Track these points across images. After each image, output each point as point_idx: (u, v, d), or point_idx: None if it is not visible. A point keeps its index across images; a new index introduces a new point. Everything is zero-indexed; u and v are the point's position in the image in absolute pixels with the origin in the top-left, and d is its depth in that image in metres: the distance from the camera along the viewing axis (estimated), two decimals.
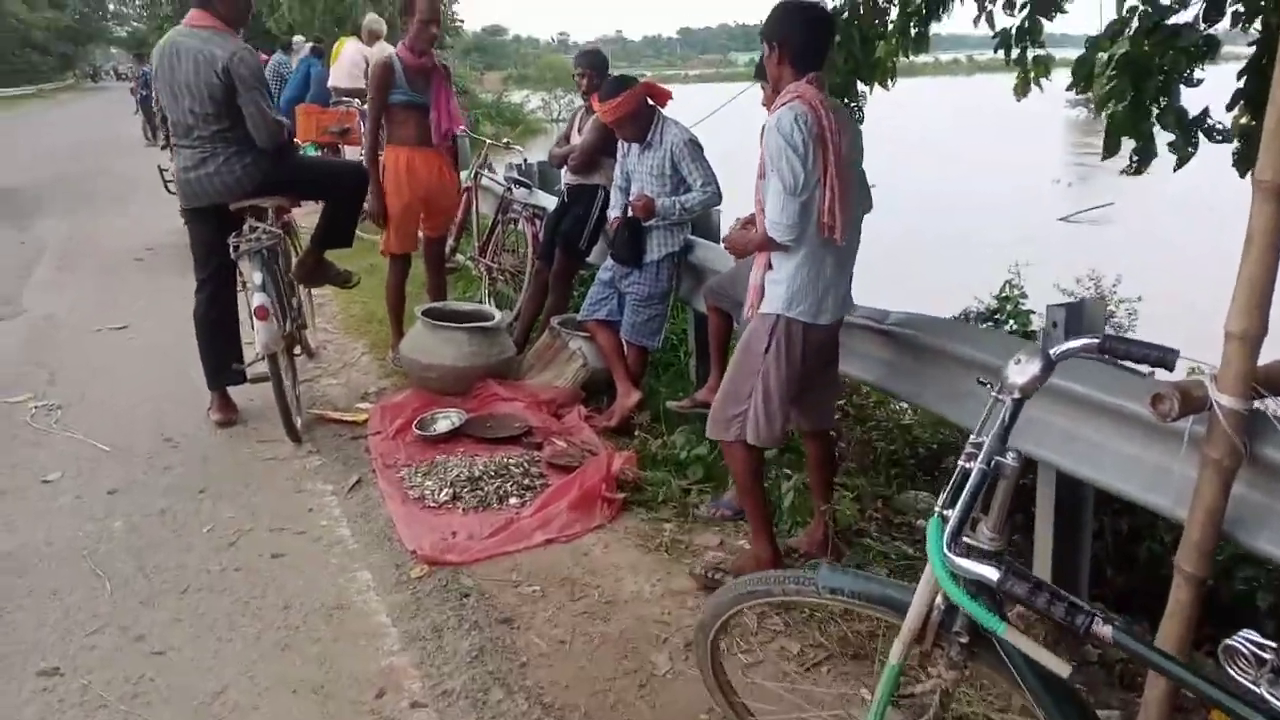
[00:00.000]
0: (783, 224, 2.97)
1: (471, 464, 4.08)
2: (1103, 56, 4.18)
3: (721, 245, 4.40)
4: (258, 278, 4.16)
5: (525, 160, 6.90)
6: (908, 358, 3.49)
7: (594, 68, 5.31)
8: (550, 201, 6.37)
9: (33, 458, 4.26)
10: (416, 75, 5.09)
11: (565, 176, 5.54)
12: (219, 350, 4.51)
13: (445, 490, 3.88)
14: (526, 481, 3.99)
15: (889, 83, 5.94)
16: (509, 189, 6.53)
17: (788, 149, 2.90)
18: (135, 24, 61.70)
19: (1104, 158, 3.99)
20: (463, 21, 35.61)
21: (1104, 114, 4.04)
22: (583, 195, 5.35)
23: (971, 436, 1.62)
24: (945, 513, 1.56)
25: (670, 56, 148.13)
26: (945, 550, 1.50)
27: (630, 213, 4.56)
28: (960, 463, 1.60)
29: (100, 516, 3.70)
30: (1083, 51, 4.33)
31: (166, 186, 9.02)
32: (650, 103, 4.56)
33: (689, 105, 5.48)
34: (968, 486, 1.55)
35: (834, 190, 2.95)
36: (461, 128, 5.69)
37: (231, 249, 4.23)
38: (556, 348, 5.13)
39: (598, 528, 3.68)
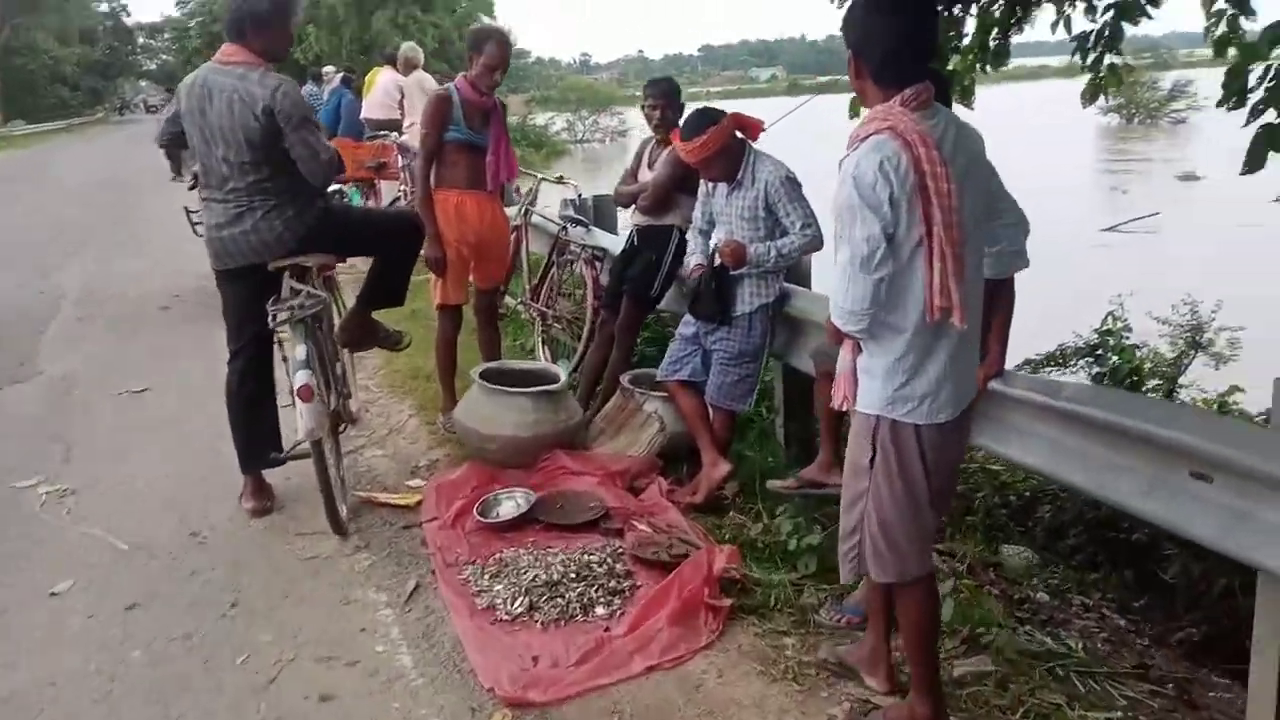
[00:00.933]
0: (845, 308, 2.29)
1: (546, 562, 3.47)
2: (1258, 68, 3.66)
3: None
4: (301, 351, 3.59)
5: (580, 196, 6.33)
6: (1087, 441, 2.86)
7: (667, 97, 4.74)
8: (611, 242, 5.80)
9: (41, 560, 3.69)
10: (475, 113, 4.56)
11: (633, 217, 4.96)
12: (255, 430, 3.94)
13: (520, 599, 3.27)
14: (613, 584, 3.37)
15: (969, 102, 5.37)
16: (564, 228, 5.96)
17: (863, 208, 2.20)
18: (164, 56, 62.24)
19: (1244, 172, 3.46)
20: None
21: (1255, 125, 3.51)
22: (654, 237, 4.77)
23: None
24: None
25: (692, 74, 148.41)
26: None
27: (717, 261, 3.97)
28: None
29: (116, 643, 3.12)
30: (1231, 63, 3.79)
31: (194, 228, 8.56)
32: (739, 136, 3.98)
33: None
34: None
35: (945, 257, 2.21)
36: (516, 177, 5.13)
37: (270, 317, 3.66)
38: (630, 410, 4.54)
39: (705, 647, 3.05)
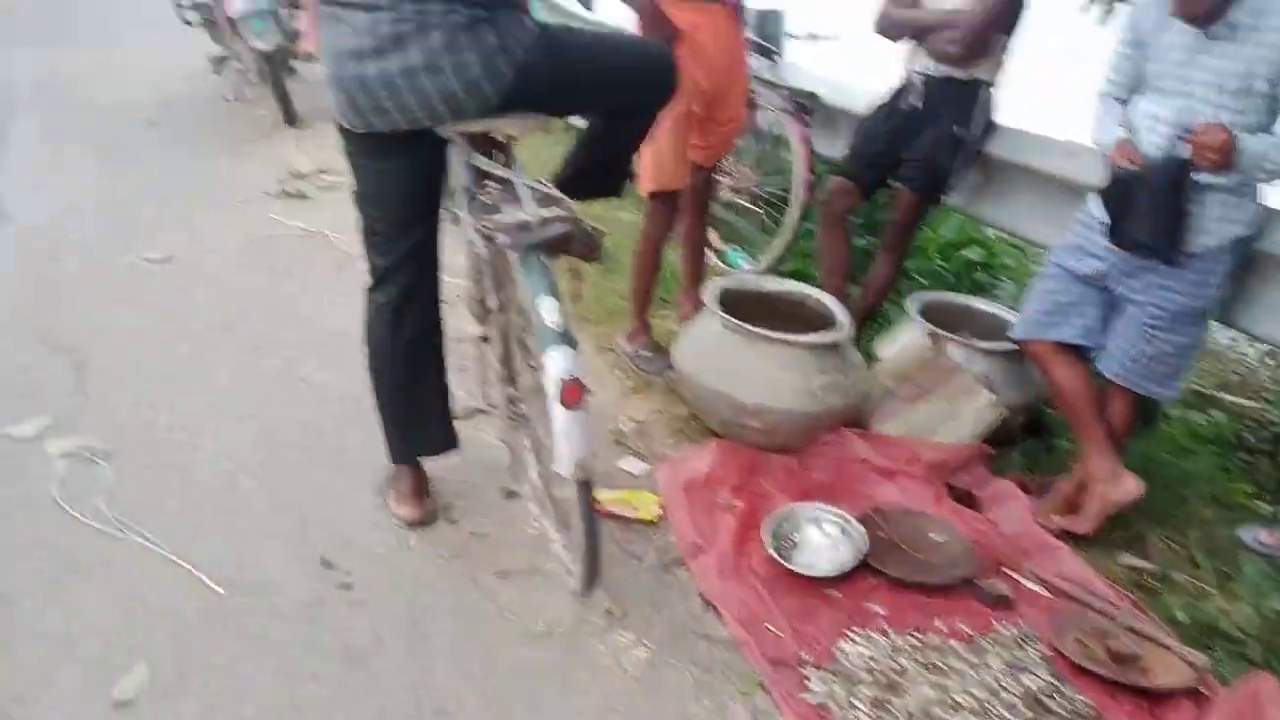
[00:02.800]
0: None
1: (941, 675, 2.08)
2: None
3: None
4: (551, 309, 2.01)
5: (754, 12, 4.55)
6: None
7: None
8: (829, 87, 4.17)
9: (84, 615, 2.21)
10: None
11: (915, 61, 3.33)
12: (417, 401, 2.43)
13: None
14: None
15: None
16: None
17: None
18: None
19: None
20: None
21: None
22: (957, 97, 3.22)
23: None
24: None
25: None
26: None
27: (1187, 153, 2.42)
28: None
29: None
30: None
31: (183, 14, 6.70)
32: None
33: None
34: None
35: None
36: None
37: (472, 232, 2.08)
38: (944, 369, 3.07)
39: None
